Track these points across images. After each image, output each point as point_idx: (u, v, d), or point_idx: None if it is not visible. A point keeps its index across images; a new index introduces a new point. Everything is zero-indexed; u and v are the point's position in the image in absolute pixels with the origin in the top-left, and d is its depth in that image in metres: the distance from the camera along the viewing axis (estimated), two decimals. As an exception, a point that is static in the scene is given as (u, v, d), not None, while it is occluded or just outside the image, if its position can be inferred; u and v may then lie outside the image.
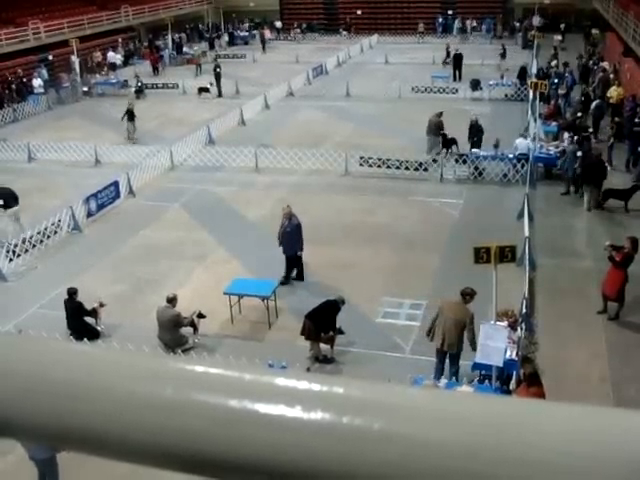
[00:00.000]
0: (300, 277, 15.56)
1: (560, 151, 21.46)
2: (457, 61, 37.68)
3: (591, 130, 23.27)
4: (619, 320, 13.68)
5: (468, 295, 11.47)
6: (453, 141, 23.26)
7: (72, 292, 13.57)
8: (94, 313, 13.66)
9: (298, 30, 56.60)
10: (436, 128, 23.40)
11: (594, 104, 26.80)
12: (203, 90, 35.61)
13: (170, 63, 45.54)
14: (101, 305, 13.72)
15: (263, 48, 50.69)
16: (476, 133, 23.01)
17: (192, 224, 19.06)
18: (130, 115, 27.09)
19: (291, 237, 15.20)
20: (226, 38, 55.40)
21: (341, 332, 12.64)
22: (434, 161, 22.17)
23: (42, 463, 9.33)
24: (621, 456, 0.59)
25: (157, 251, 17.39)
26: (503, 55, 42.17)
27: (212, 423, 0.67)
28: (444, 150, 23.17)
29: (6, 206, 17.96)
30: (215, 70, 36.12)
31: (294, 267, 15.52)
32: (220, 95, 35.67)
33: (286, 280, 15.35)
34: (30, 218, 18.65)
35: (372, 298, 14.63)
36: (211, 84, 35.55)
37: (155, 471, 0.76)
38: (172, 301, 12.97)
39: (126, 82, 37.83)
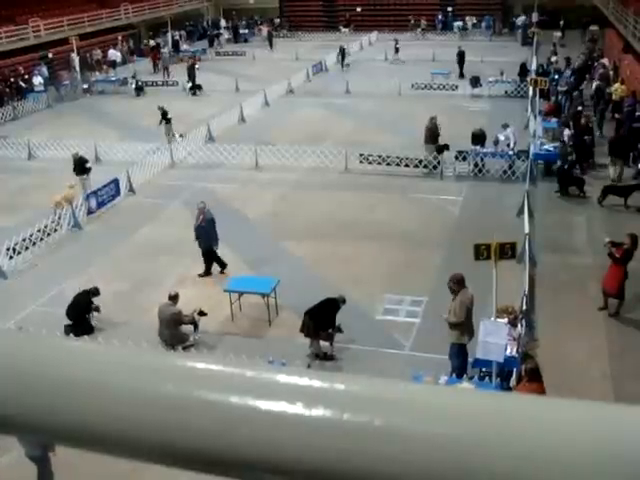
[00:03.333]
0: (223, 268, 16.03)
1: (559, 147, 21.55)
2: (460, 58, 37.62)
3: (590, 126, 23.19)
4: (619, 316, 13.68)
5: (460, 280, 11.48)
6: (446, 147, 22.64)
7: (94, 292, 13.78)
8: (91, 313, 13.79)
9: (265, 31, 55.10)
10: (432, 135, 22.87)
11: (594, 85, 27.16)
12: (195, 87, 35.73)
13: (169, 61, 45.45)
14: (96, 309, 13.78)
15: (270, 45, 50.61)
16: (479, 139, 22.84)
17: (192, 221, 19.00)
18: (164, 117, 26.35)
19: (205, 232, 15.76)
20: (226, 36, 55.23)
21: (340, 330, 12.63)
22: (436, 166, 22.04)
23: (35, 460, 9.34)
24: (622, 451, 0.60)
25: (157, 248, 17.38)
26: (397, 50, 43.45)
27: (213, 419, 0.67)
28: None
29: (80, 172, 20.97)
30: (190, 68, 36.37)
31: (212, 261, 15.96)
32: (194, 92, 35.70)
33: (206, 274, 15.87)
34: (30, 216, 18.69)
35: (372, 295, 14.64)
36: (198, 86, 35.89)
37: (156, 468, 0.76)
38: (174, 299, 12.99)
39: (126, 80, 37.83)
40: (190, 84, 35.95)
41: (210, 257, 15.93)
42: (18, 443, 9.28)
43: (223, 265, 16.03)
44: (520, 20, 51.72)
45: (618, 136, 21.84)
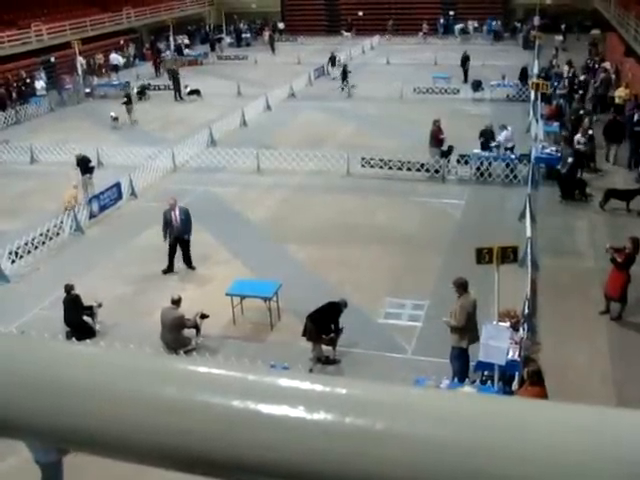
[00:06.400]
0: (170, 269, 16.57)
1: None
2: (463, 63, 37.58)
3: (591, 132, 23.13)
4: (621, 320, 13.65)
5: (463, 284, 11.47)
6: (450, 150, 22.69)
7: (69, 288, 13.66)
8: (92, 312, 13.75)
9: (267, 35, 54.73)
10: (435, 139, 22.79)
11: (597, 82, 28.54)
12: (194, 92, 35.73)
13: (172, 64, 45.51)
14: (99, 305, 13.80)
15: (272, 49, 50.71)
16: (488, 136, 22.86)
17: (194, 225, 19.01)
18: (128, 100, 31.19)
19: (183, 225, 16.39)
20: (228, 40, 55.34)
21: (340, 331, 12.61)
22: (438, 170, 22.02)
23: (47, 467, 9.31)
24: (623, 455, 0.60)
25: (159, 252, 17.35)
26: (332, 62, 41.45)
27: (215, 423, 0.67)
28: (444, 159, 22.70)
29: (84, 172, 21.37)
30: (173, 75, 36.70)
31: (186, 253, 16.59)
32: (179, 98, 35.91)
33: (189, 266, 16.56)
34: (32, 219, 18.73)
35: (374, 299, 14.62)
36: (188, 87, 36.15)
37: (159, 471, 0.76)
38: (177, 302, 12.99)
39: (128, 84, 37.91)
40: (174, 90, 36.20)
41: (178, 249, 16.46)
42: (27, 449, 9.26)
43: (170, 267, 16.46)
44: (494, 24, 52.44)
45: (612, 121, 23.08)
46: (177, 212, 16.40)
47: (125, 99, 31.37)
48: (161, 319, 12.90)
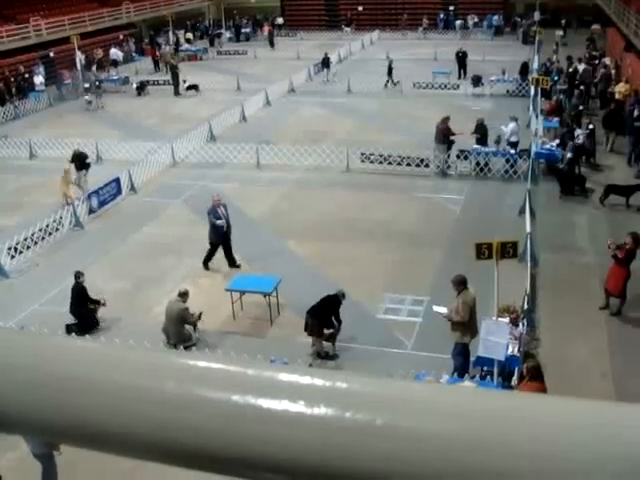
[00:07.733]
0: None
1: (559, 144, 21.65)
2: (461, 59, 37.45)
3: (592, 127, 23.11)
4: (621, 316, 13.67)
5: (463, 281, 11.48)
6: (450, 144, 22.60)
7: (78, 275, 13.71)
8: (97, 304, 13.78)
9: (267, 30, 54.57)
10: (442, 135, 22.56)
11: (597, 78, 29.40)
12: (191, 87, 35.70)
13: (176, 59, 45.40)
14: (103, 304, 13.84)
15: (271, 44, 50.63)
16: (482, 131, 22.82)
17: (193, 221, 19.04)
18: (98, 86, 34.71)
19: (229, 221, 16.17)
20: (227, 35, 55.29)
21: (339, 322, 12.61)
22: (438, 165, 21.99)
23: (41, 458, 9.37)
24: (623, 449, 0.59)
25: (158, 248, 17.39)
26: (326, 63, 38.16)
27: (214, 418, 0.67)
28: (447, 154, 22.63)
29: (80, 167, 21.28)
30: (172, 70, 36.68)
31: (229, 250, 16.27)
32: (177, 93, 35.89)
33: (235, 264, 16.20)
34: (31, 215, 18.73)
35: (373, 294, 14.63)
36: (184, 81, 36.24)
37: (157, 466, 0.76)
38: (184, 296, 13.09)
39: (127, 79, 37.90)
40: (173, 85, 36.26)
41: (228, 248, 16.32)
42: (24, 441, 9.31)
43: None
44: (494, 19, 52.29)
45: (610, 110, 24.14)
46: (222, 209, 16.10)
47: (96, 83, 35.06)
48: (166, 310, 12.98)
